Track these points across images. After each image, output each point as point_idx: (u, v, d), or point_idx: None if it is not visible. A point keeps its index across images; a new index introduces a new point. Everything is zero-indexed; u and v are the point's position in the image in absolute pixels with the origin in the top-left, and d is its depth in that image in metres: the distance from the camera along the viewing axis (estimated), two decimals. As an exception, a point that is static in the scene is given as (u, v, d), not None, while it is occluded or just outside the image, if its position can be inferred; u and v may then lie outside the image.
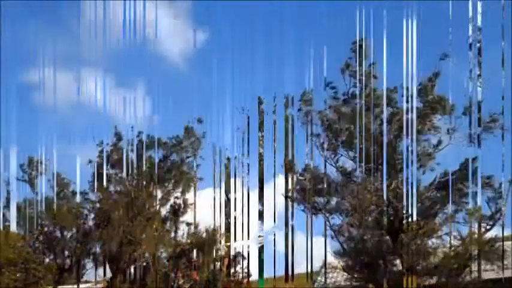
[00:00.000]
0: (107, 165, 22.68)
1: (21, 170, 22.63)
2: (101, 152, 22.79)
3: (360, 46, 15.03)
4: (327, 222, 15.85)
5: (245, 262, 29.93)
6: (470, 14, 13.85)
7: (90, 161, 22.78)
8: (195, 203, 23.50)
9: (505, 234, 14.84)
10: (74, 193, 22.93)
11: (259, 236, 18.91)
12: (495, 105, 14.37)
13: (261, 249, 19.10)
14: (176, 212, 23.47)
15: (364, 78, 15.18)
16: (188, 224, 23.59)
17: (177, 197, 23.45)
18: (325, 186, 15.76)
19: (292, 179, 16.49)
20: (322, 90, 15.77)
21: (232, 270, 29.04)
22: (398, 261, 14.93)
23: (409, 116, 14.58)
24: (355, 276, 15.67)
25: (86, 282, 26.65)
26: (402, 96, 14.98)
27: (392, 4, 15.70)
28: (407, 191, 14.44)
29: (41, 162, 22.87)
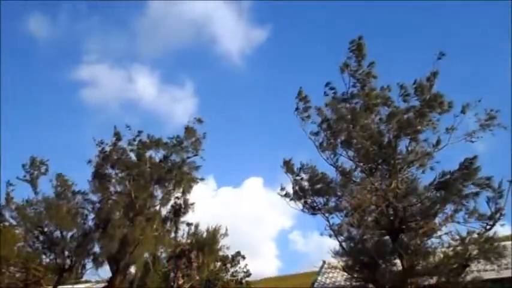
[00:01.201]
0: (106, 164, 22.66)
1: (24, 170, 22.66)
2: (101, 151, 22.82)
3: (359, 45, 14.99)
4: (327, 222, 15.82)
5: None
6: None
7: (89, 161, 22.82)
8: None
9: (505, 234, 14.81)
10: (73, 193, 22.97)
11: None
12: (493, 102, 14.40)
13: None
14: (177, 212, 23.45)
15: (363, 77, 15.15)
16: (188, 224, 23.62)
17: (177, 197, 23.42)
18: (324, 185, 15.72)
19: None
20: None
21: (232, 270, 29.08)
22: (398, 261, 14.89)
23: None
24: (355, 276, 15.62)
25: (86, 282, 26.70)
26: (400, 95, 14.95)
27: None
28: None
29: (43, 162, 22.94)
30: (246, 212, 60.87)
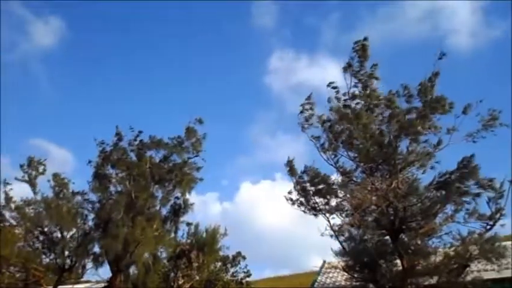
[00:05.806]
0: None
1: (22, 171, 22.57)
2: (101, 151, 22.80)
3: (362, 46, 15.03)
4: (328, 222, 15.86)
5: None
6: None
7: (89, 161, 22.77)
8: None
9: (505, 234, 14.84)
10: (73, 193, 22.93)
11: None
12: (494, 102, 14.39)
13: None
14: (177, 212, 23.42)
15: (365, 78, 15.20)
16: (188, 224, 23.62)
17: (177, 197, 23.38)
18: (325, 186, 15.75)
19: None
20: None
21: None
22: (398, 261, 14.91)
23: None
24: (356, 276, 15.65)
25: (86, 282, 26.66)
26: (403, 96, 14.98)
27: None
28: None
29: (40, 162, 22.86)
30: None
